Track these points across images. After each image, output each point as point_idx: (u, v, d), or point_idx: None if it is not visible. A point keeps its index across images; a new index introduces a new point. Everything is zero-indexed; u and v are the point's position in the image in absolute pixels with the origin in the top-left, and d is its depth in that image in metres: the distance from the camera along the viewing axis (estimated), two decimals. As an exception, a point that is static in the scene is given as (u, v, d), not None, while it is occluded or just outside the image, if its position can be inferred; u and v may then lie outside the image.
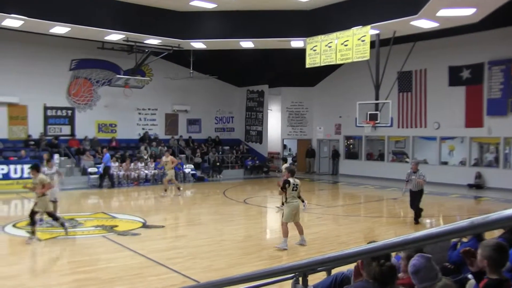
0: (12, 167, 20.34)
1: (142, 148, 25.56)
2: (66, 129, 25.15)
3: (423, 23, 17.30)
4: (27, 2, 18.26)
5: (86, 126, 25.36)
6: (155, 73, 27.56)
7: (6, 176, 20.11)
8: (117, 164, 22.66)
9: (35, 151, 22.73)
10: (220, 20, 21.36)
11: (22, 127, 23.90)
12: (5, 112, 23.34)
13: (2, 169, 20.15)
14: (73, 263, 9.12)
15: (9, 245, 11.02)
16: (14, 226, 12.43)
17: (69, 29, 19.82)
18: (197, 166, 26.20)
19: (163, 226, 12.80)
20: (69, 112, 25.31)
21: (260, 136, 30.40)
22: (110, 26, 20.15)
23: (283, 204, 14.34)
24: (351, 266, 3.85)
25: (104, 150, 22.73)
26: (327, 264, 3.50)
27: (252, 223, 14.05)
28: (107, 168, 21.59)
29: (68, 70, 25.19)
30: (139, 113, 27.59)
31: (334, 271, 4.25)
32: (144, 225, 12.64)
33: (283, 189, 10.16)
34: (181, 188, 20.14)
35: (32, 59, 23.52)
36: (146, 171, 23.47)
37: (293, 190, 10.21)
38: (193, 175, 25.17)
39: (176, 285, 7.40)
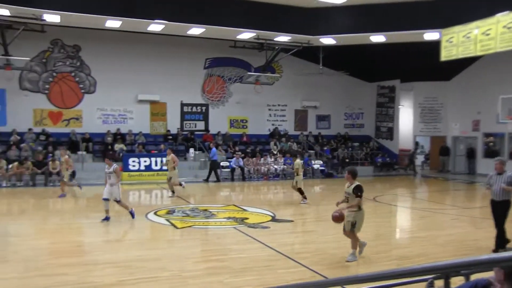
0: (153, 159, 21.96)
1: (272, 143, 26.05)
2: (200, 125, 26.57)
3: None
4: (168, 8, 19.54)
5: (219, 122, 26.54)
6: (284, 70, 27.90)
7: (149, 168, 21.77)
8: (242, 159, 23.36)
9: (173, 145, 24.30)
10: (350, 15, 20.94)
11: (162, 122, 25.75)
12: (147, 109, 25.36)
13: (145, 161, 21.85)
14: (207, 251, 9.56)
15: (151, 231, 11.87)
16: (155, 214, 13.36)
17: (204, 29, 20.87)
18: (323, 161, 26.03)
19: (292, 221, 12.89)
20: (204, 108, 26.68)
21: (391, 133, 29.32)
22: (242, 25, 20.83)
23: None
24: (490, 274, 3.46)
25: (211, 144, 23.27)
26: (477, 267, 3.15)
27: (381, 222, 13.57)
28: (213, 162, 22.14)
29: (202, 69, 26.54)
30: (269, 109, 28.14)
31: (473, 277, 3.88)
32: (273, 219, 12.83)
33: (360, 196, 8.53)
34: (184, 185, 17.51)
35: (170, 60, 25.17)
36: (276, 166, 23.88)
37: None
38: (321, 171, 25.06)
39: (304, 279, 7.38)
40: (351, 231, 8.50)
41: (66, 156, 17.78)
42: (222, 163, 23.24)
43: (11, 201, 16.35)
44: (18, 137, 22.20)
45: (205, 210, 14.01)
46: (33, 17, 19.05)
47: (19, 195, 17.27)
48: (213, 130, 26.36)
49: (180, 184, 17.33)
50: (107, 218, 12.10)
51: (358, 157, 27.52)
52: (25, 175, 19.78)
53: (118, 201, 12.38)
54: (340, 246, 9.36)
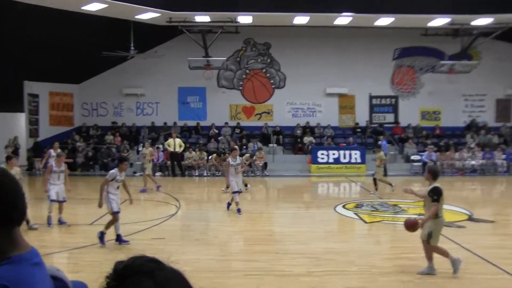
0: (341, 152, 22.06)
1: (468, 136, 24.09)
2: (390, 117, 25.81)
3: None
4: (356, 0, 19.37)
5: (409, 114, 25.43)
6: (483, 56, 25.46)
7: (337, 161, 21.94)
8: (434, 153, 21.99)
9: (361, 138, 24.08)
10: None
11: (350, 115, 25.70)
12: (336, 102, 25.57)
13: (334, 154, 22.06)
14: (396, 248, 9.26)
15: (339, 224, 11.95)
16: (343, 207, 13.40)
17: (393, 19, 20.15)
18: None
19: (492, 221, 11.75)
20: (393, 100, 25.87)
21: None
22: (434, 11, 19.59)
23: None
24: None
25: (382, 137, 22.15)
26: None
27: None
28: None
29: (391, 60, 25.70)
30: (465, 100, 26.02)
31: None
32: (470, 218, 11.85)
33: (437, 201, 7.15)
34: (394, 187, 15.88)
35: (358, 52, 24.92)
36: (473, 161, 22.01)
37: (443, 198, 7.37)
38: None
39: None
40: (428, 241, 7.23)
41: (150, 149, 17.95)
42: (412, 157, 22.27)
43: (211, 189, 17.97)
44: (216, 131, 24.33)
45: (395, 205, 13.59)
46: (229, 20, 20.74)
47: (218, 184, 18.87)
48: (403, 122, 25.40)
49: (390, 184, 16.22)
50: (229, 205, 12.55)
51: None
52: (222, 165, 21.56)
53: (239, 192, 12.65)
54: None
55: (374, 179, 15.92)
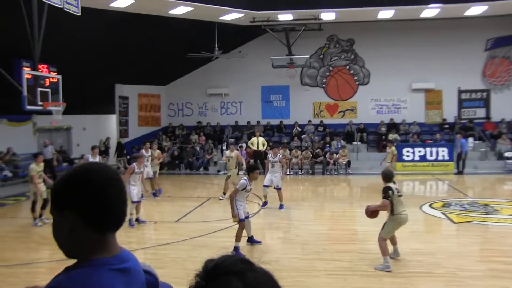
0: (428, 149, 21.25)
1: None
2: (480, 112, 24.47)
3: None
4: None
5: (503, 108, 23.93)
6: None
7: (423, 158, 21.17)
8: None
9: (449, 135, 23.06)
10: None
11: (437, 111, 24.68)
12: (422, 98, 24.68)
13: (420, 151, 21.30)
14: (488, 250, 8.81)
15: (426, 224, 11.55)
16: (430, 206, 12.94)
17: (486, 7, 19.08)
18: None
19: None
20: (484, 94, 24.48)
21: None
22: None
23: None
24: None
25: (458, 136, 20.85)
26: None
27: None
28: (460, 154, 20.00)
29: (483, 51, 24.32)
30: None
31: None
32: None
33: (388, 198, 7.75)
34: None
35: (446, 45, 23.83)
36: None
37: (399, 196, 7.90)
38: None
39: None
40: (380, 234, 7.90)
41: (158, 151, 16.59)
42: (506, 154, 21.01)
43: (294, 188, 18.03)
44: (299, 129, 24.34)
45: (486, 205, 12.90)
46: (312, 17, 20.63)
47: (301, 182, 18.91)
48: (495, 117, 23.95)
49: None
50: (265, 204, 13.05)
51: None
52: (305, 164, 21.56)
53: (278, 189, 12.94)
54: None
55: None
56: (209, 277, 1.14)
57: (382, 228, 7.99)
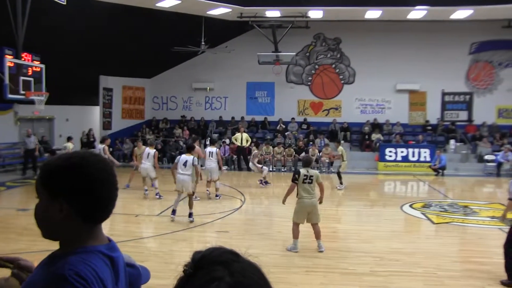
0: (410, 150, 21.46)
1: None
2: (463, 115, 24.77)
3: None
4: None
5: (485, 112, 24.24)
6: None
7: (405, 159, 21.37)
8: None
9: (432, 136, 23.30)
10: None
11: (421, 112, 24.93)
12: (406, 99, 24.88)
13: (402, 152, 21.49)
14: (466, 251, 8.94)
15: (406, 224, 11.68)
16: (411, 206, 13.07)
17: (472, 11, 19.29)
18: None
19: None
20: (467, 97, 24.78)
21: None
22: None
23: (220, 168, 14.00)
24: None
25: (437, 152, 20.58)
26: None
27: None
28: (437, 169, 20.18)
29: (467, 54, 24.60)
30: (548, 97, 24.49)
31: None
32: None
33: (294, 181, 8.43)
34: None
35: (431, 47, 24.02)
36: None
37: (304, 182, 8.38)
38: None
39: None
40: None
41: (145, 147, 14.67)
42: (486, 157, 21.30)
43: (276, 184, 18.03)
44: (283, 126, 24.38)
45: (466, 206, 13.08)
46: (299, 15, 20.65)
47: (283, 179, 18.93)
48: (477, 120, 24.28)
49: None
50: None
51: None
52: (288, 161, 21.60)
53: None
54: None
55: (338, 173, 16.51)
56: (197, 267, 1.15)
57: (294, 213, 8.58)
